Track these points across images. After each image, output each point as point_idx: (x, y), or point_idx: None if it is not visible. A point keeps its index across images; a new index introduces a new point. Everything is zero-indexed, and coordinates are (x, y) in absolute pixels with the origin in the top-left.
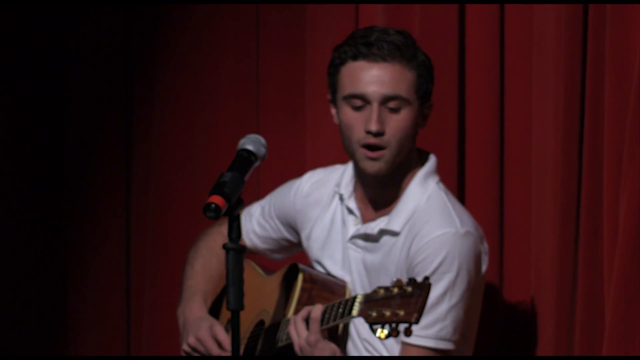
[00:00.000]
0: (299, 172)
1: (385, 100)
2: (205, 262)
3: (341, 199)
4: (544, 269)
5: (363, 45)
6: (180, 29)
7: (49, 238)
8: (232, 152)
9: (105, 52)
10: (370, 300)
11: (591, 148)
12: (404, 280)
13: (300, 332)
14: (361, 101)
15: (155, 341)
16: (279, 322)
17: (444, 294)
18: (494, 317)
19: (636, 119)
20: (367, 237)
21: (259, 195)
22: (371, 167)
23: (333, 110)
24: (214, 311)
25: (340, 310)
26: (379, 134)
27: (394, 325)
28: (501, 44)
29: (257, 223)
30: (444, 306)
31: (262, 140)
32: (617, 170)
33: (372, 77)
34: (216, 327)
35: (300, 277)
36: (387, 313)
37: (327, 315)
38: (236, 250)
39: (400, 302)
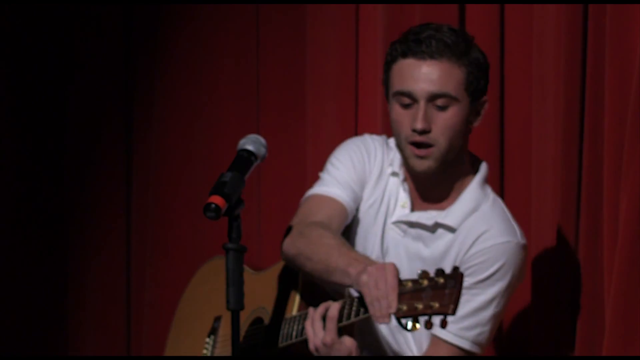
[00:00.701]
0: (299, 172)
1: (432, 98)
2: (328, 242)
3: (397, 175)
4: (544, 269)
5: (413, 42)
6: (180, 29)
7: (49, 238)
8: (232, 152)
9: (106, 52)
10: (399, 294)
11: (591, 148)
12: (430, 271)
13: (316, 330)
14: (409, 99)
15: (155, 341)
16: (280, 319)
17: (491, 301)
18: None
19: (636, 119)
20: (416, 225)
21: (259, 195)
22: (420, 165)
23: (389, 107)
24: (192, 312)
25: (363, 306)
26: (424, 131)
27: (427, 317)
28: (501, 44)
29: (340, 187)
30: (488, 312)
31: (262, 140)
32: (617, 170)
33: (420, 75)
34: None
35: (300, 273)
36: (420, 306)
37: (346, 312)
38: (236, 250)
39: (432, 294)
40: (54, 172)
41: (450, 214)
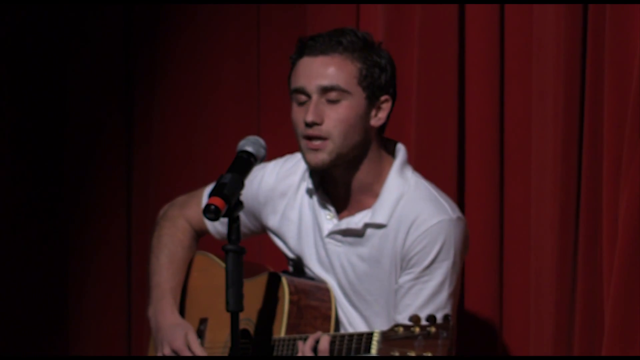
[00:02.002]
0: None
1: (324, 91)
2: (170, 253)
3: (311, 193)
4: (544, 269)
5: (309, 41)
6: (181, 29)
7: (50, 238)
8: (232, 153)
9: (106, 52)
10: (390, 339)
11: (591, 148)
12: (422, 316)
13: None
14: (303, 95)
15: None
16: (270, 338)
17: (443, 282)
18: (494, 317)
19: (636, 119)
20: (348, 232)
21: None
22: (313, 158)
23: None
24: (180, 303)
25: (355, 345)
26: (314, 123)
27: None
28: (501, 44)
29: None
30: (444, 294)
31: (262, 141)
32: (616, 170)
33: (312, 70)
34: (190, 335)
35: (286, 289)
36: (412, 354)
37: (337, 347)
38: (236, 251)
39: (425, 344)
40: (54, 172)
41: (377, 212)
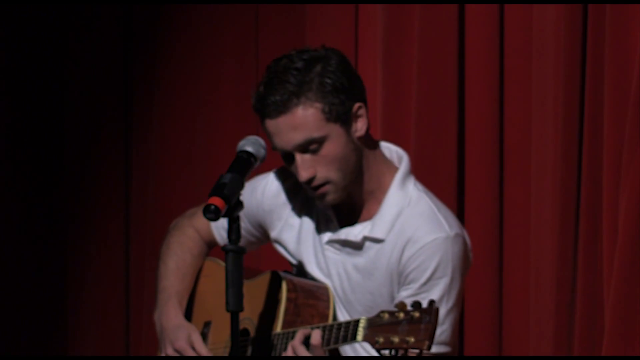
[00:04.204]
0: None
1: (301, 148)
2: (179, 259)
3: (313, 200)
4: (544, 269)
5: (262, 102)
6: (180, 29)
7: (49, 238)
8: (232, 153)
9: (105, 52)
10: (375, 325)
11: (591, 148)
12: (407, 303)
13: (299, 353)
14: (285, 152)
15: (154, 341)
16: (268, 335)
17: (441, 299)
18: (494, 316)
19: (636, 119)
20: (347, 244)
21: None
22: (324, 202)
23: None
24: (188, 309)
25: (343, 333)
26: (310, 180)
27: (403, 351)
28: (501, 44)
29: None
30: (442, 311)
31: (262, 141)
32: (616, 170)
33: (280, 132)
34: (193, 335)
35: (284, 287)
36: (396, 339)
37: (326, 337)
38: (235, 251)
39: (408, 328)
40: (53, 172)
41: (376, 226)
